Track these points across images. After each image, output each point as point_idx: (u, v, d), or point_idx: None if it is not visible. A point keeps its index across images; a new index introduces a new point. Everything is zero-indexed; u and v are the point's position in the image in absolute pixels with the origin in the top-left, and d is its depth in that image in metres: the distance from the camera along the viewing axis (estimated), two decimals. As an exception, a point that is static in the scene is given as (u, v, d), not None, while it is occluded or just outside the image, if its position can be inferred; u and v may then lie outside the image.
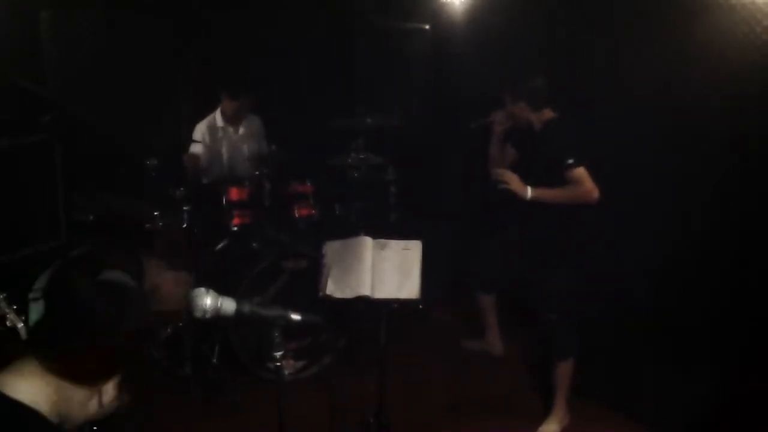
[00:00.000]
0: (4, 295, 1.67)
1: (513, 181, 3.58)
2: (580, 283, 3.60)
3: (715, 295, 3.46)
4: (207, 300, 1.91)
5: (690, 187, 3.59)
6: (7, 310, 1.61)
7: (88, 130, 4.44)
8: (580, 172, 3.44)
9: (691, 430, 3.50)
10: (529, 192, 3.54)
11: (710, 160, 3.46)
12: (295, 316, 2.01)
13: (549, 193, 3.54)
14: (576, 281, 3.59)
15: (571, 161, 3.44)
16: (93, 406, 1.51)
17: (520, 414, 3.89)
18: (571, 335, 3.67)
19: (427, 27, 5.99)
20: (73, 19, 5.26)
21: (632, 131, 3.82)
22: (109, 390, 1.52)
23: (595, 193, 3.44)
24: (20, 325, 1.53)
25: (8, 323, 1.66)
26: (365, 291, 3.02)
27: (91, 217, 4.14)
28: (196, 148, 5.00)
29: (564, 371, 3.70)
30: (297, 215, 4.48)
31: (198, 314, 1.93)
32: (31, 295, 1.48)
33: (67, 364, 1.43)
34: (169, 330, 4.07)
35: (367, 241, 3.14)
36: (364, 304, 3.04)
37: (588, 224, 3.56)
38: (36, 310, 1.45)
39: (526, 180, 3.59)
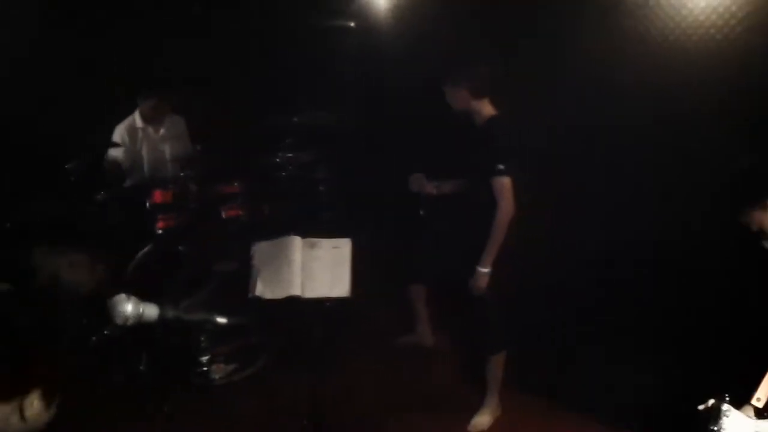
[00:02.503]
0: None
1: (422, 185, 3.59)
2: (510, 278, 3.64)
3: (664, 292, 3.56)
4: (128, 307, 1.86)
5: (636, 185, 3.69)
6: None
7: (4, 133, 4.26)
8: (505, 182, 3.40)
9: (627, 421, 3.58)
10: (484, 271, 3.51)
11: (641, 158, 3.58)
12: (222, 320, 1.97)
13: (492, 247, 3.47)
14: (506, 276, 3.62)
15: (501, 167, 3.40)
16: (15, 421, 1.45)
17: (454, 407, 3.92)
18: (502, 329, 3.71)
19: (353, 24, 5.98)
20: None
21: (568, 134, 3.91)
22: (33, 403, 1.46)
23: (511, 210, 3.41)
24: None
25: None
26: (296, 291, 2.99)
27: (8, 225, 3.98)
28: (115, 152, 4.85)
29: (496, 365, 3.75)
30: (225, 217, 4.41)
31: (119, 321, 1.87)
32: None
33: None
34: (94, 339, 3.95)
35: (297, 241, 3.11)
36: (296, 304, 3.01)
37: (517, 221, 3.54)
38: None
39: (464, 175, 3.61)
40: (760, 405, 1.94)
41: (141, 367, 3.90)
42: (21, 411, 1.46)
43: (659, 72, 3.56)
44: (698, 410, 2.09)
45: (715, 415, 2.03)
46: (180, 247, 4.27)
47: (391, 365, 4.38)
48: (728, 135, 3.24)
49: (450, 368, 4.38)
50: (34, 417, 1.49)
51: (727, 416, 1.99)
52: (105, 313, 1.88)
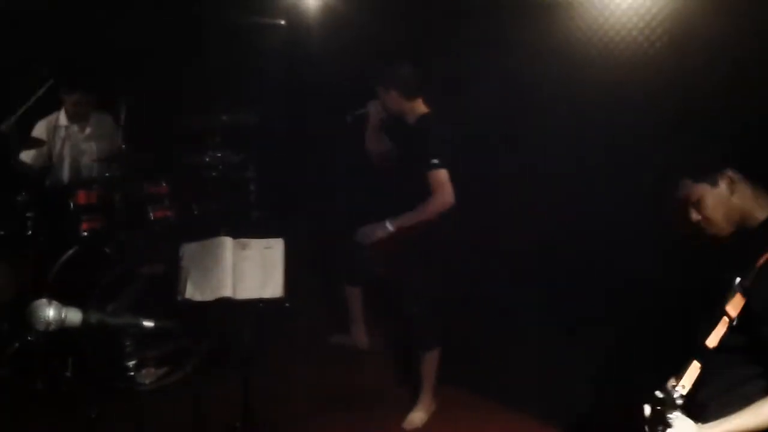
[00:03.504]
0: None
1: (371, 232, 3.61)
2: (440, 276, 3.68)
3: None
4: (49, 311, 1.79)
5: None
6: None
7: None
8: (441, 174, 3.46)
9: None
10: (389, 227, 3.56)
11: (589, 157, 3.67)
12: (148, 323, 1.92)
13: (409, 219, 3.54)
14: (436, 274, 3.67)
15: (435, 161, 3.45)
16: None
17: (389, 405, 3.94)
18: (434, 327, 3.75)
19: (283, 22, 5.93)
20: None
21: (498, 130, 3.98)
22: None
23: (450, 199, 3.46)
24: None
25: None
26: (226, 292, 2.96)
27: None
28: (29, 151, 4.66)
29: (429, 361, 3.78)
30: (152, 217, 4.31)
31: (41, 327, 1.80)
32: None
33: None
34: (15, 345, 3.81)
35: (227, 242, 3.08)
36: (227, 306, 2.97)
37: (447, 220, 3.57)
38: None
39: (398, 175, 3.62)
40: (684, 392, 1.99)
41: (67, 373, 3.78)
42: None
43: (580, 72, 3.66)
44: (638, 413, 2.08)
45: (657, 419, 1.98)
46: (105, 249, 4.15)
47: (324, 366, 4.37)
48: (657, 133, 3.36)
49: (384, 367, 4.40)
50: None
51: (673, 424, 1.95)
52: (26, 319, 1.81)
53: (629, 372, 3.26)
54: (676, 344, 2.16)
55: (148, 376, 3.77)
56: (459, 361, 3.97)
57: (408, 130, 3.73)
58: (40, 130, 4.77)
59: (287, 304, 3.21)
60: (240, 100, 5.24)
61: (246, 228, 4.25)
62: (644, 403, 2.06)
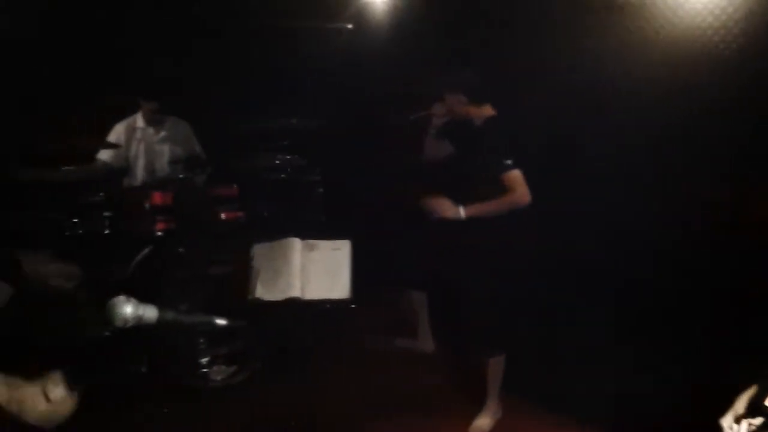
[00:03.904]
0: None
1: (443, 207, 3.58)
2: (507, 281, 3.64)
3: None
4: (127, 308, 1.85)
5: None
6: None
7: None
8: (516, 175, 3.45)
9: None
10: (461, 212, 3.54)
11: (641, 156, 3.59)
12: (221, 322, 1.96)
13: (483, 208, 3.51)
14: (503, 279, 3.62)
15: (508, 162, 3.44)
16: (42, 403, 1.51)
17: (454, 410, 3.91)
18: (500, 332, 3.71)
19: (350, 26, 5.98)
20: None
21: (567, 130, 3.92)
22: (56, 386, 1.48)
23: (527, 198, 3.45)
24: None
25: None
26: (295, 293, 2.99)
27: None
28: (107, 152, 4.84)
29: (495, 367, 3.74)
30: (223, 218, 4.40)
31: (119, 323, 1.86)
32: None
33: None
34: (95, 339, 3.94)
35: (296, 243, 3.11)
36: (295, 306, 3.00)
37: (515, 225, 3.55)
38: None
39: (461, 179, 3.60)
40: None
41: (142, 369, 3.89)
42: (45, 393, 1.50)
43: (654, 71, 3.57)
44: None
45: None
46: (179, 249, 4.26)
47: (389, 369, 4.38)
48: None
49: (449, 371, 4.38)
50: (58, 400, 1.52)
51: None
52: (104, 315, 1.88)
53: (706, 385, 3.15)
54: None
55: (218, 374, 3.85)
56: (526, 368, 3.92)
57: (474, 133, 3.71)
58: (118, 132, 4.96)
59: (353, 306, 3.23)
60: (308, 104, 5.31)
61: (314, 229, 4.30)
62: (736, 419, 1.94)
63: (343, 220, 5.09)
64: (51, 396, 1.51)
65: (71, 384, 1.54)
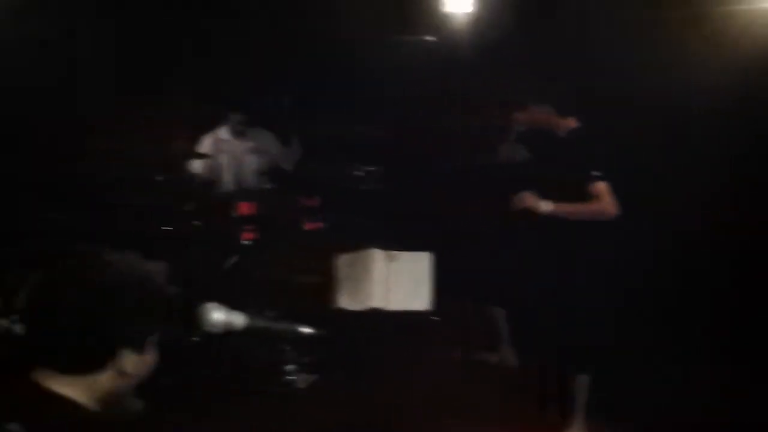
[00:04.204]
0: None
1: (527, 199, 3.53)
2: (597, 295, 3.55)
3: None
4: (217, 314, 1.89)
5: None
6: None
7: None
8: (604, 186, 3.39)
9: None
10: (546, 206, 3.49)
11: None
12: (305, 330, 1.98)
13: (569, 208, 3.46)
14: (593, 293, 3.54)
15: (597, 174, 3.39)
16: (119, 379, 1.50)
17: (539, 428, 3.83)
18: (588, 350, 3.61)
19: (434, 39, 5.99)
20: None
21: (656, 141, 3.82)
22: (127, 360, 1.51)
23: (615, 209, 3.39)
24: None
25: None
26: (377, 303, 3.01)
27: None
28: (200, 162, 5.01)
29: (581, 386, 3.65)
30: (306, 229, 4.47)
31: (208, 328, 1.91)
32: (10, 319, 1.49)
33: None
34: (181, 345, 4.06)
35: (377, 253, 3.13)
36: (376, 316, 3.02)
37: (607, 236, 3.47)
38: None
39: (539, 187, 3.55)
40: None
41: (228, 373, 3.98)
42: (120, 371, 1.50)
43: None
44: None
45: None
46: (264, 258, 4.36)
47: (471, 382, 4.32)
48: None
49: (533, 387, 4.28)
50: (134, 366, 1.52)
51: None
52: (193, 319, 1.92)
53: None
54: None
55: (300, 381, 3.90)
56: (612, 388, 3.81)
57: (557, 143, 3.66)
58: (206, 144, 5.11)
59: (434, 317, 3.22)
60: (390, 116, 5.34)
61: (395, 241, 4.32)
62: None
63: (424, 232, 5.07)
64: (127, 369, 1.52)
65: (138, 348, 1.55)
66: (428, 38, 6.00)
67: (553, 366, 3.96)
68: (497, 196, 3.98)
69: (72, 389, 1.45)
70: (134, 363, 1.52)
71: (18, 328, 1.52)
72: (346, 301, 3.05)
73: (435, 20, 5.71)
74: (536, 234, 3.80)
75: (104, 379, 1.50)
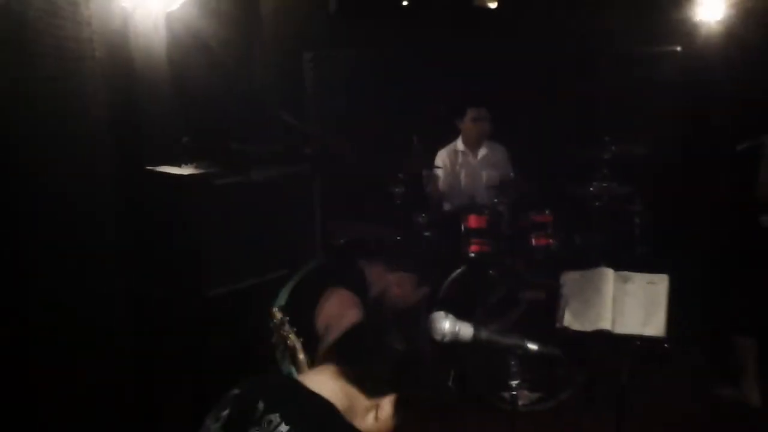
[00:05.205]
0: (288, 318, 1.92)
1: None
2: None
3: None
4: (446, 324, 1.97)
5: None
6: (290, 332, 1.86)
7: (342, 162, 4.80)
8: None
9: None
10: None
11: None
12: (533, 346, 1.99)
13: None
14: None
15: None
16: (371, 418, 1.65)
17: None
18: None
19: (679, 49, 5.67)
20: (332, 59, 5.75)
21: None
22: (386, 407, 1.65)
23: None
24: (299, 345, 1.74)
25: (289, 343, 1.91)
26: (606, 325, 2.91)
27: (342, 242, 4.47)
28: (436, 175, 5.18)
29: None
30: (534, 244, 4.44)
31: (437, 337, 1.99)
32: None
33: (363, 373, 1.64)
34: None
35: (609, 273, 3.03)
36: (604, 339, 2.92)
37: None
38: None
39: None
40: None
41: (449, 384, 4.08)
42: (377, 411, 1.65)
43: None
44: None
45: None
46: (490, 272, 4.40)
47: (706, 418, 4.01)
48: None
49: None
50: (384, 421, 1.67)
51: None
52: (422, 328, 2.01)
53: None
54: None
55: (521, 398, 3.88)
56: None
57: None
58: (442, 157, 5.29)
59: (666, 345, 3.04)
60: (630, 130, 5.14)
61: (629, 262, 4.14)
62: None
63: (662, 255, 4.80)
64: (380, 415, 1.66)
65: (398, 409, 1.68)
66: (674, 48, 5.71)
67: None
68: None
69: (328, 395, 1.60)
70: (386, 415, 1.67)
71: None
72: (573, 321, 2.98)
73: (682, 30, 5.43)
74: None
75: (363, 406, 1.65)
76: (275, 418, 1.50)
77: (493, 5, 5.78)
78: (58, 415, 2.82)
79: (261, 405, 1.54)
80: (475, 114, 5.17)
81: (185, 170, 3.48)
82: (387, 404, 1.65)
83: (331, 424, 1.54)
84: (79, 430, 2.95)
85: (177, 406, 3.44)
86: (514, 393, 2.11)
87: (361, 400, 1.63)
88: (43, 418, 2.75)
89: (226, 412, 1.57)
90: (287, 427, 1.48)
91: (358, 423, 1.63)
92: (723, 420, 3.98)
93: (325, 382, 1.61)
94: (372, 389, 1.64)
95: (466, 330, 1.97)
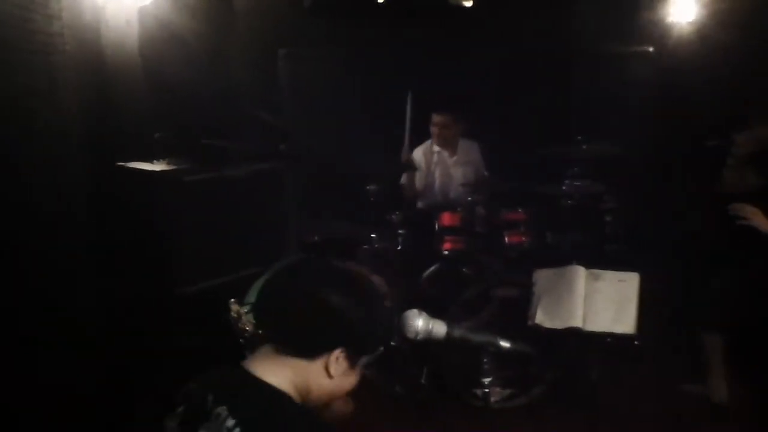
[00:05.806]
0: (245, 310, 1.90)
1: (756, 216, 3.27)
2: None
3: None
4: (419, 321, 1.97)
5: None
6: (246, 323, 1.84)
7: (315, 159, 4.79)
8: None
9: None
10: None
11: None
12: (505, 344, 2.00)
13: None
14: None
15: None
16: (325, 380, 1.64)
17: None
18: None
19: (651, 49, 5.74)
20: (306, 57, 5.73)
21: None
22: (335, 362, 1.64)
23: None
24: (257, 335, 1.71)
25: (246, 335, 1.89)
26: (577, 323, 2.95)
27: (315, 239, 4.47)
28: (408, 175, 5.19)
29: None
30: (507, 242, 4.47)
31: (410, 335, 1.99)
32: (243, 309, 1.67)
33: (288, 335, 1.63)
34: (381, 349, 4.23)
35: (580, 271, 3.07)
36: (576, 336, 2.96)
37: None
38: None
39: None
40: None
41: (422, 381, 4.10)
42: (327, 369, 1.64)
43: None
44: None
45: None
46: (463, 269, 4.43)
47: (673, 414, 4.06)
48: None
49: (744, 427, 3.94)
50: (340, 374, 1.65)
51: None
52: (394, 325, 2.01)
53: None
54: None
55: (494, 395, 3.90)
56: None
57: None
58: (418, 156, 5.30)
59: (637, 342, 3.09)
60: (602, 129, 5.19)
61: (600, 259, 4.18)
62: None
63: (633, 252, 4.86)
64: (332, 371, 1.64)
65: (351, 358, 1.67)
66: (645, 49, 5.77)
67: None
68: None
69: (276, 378, 1.59)
70: (340, 369, 1.65)
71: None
72: (544, 318, 3.01)
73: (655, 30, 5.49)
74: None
75: (312, 370, 1.63)
76: (223, 411, 1.49)
77: (468, 4, 5.78)
78: (25, 415, 2.78)
79: (210, 398, 1.53)
80: (438, 120, 5.19)
81: (157, 166, 3.45)
82: (334, 359, 1.63)
83: (279, 413, 1.52)
84: (48, 430, 2.91)
85: (147, 405, 3.40)
86: (487, 390, 2.12)
87: (306, 367, 1.61)
88: (5, 417, 2.70)
89: (181, 409, 1.56)
90: (233, 421, 1.47)
91: (315, 392, 1.62)
92: (691, 417, 4.04)
93: (268, 365, 1.60)
94: (306, 349, 1.61)
95: (439, 328, 1.98)
